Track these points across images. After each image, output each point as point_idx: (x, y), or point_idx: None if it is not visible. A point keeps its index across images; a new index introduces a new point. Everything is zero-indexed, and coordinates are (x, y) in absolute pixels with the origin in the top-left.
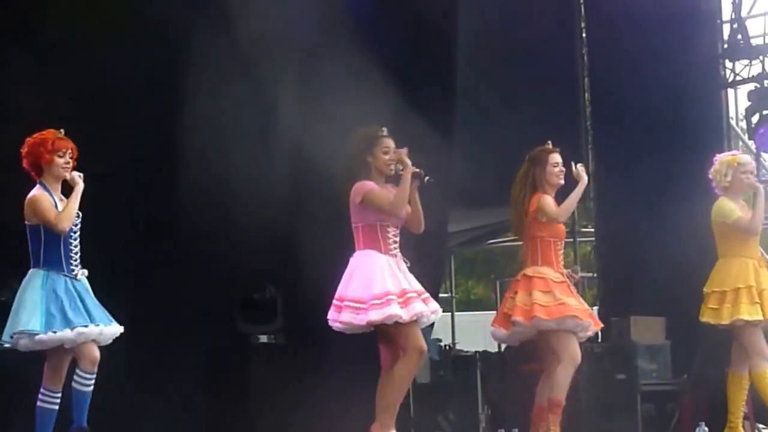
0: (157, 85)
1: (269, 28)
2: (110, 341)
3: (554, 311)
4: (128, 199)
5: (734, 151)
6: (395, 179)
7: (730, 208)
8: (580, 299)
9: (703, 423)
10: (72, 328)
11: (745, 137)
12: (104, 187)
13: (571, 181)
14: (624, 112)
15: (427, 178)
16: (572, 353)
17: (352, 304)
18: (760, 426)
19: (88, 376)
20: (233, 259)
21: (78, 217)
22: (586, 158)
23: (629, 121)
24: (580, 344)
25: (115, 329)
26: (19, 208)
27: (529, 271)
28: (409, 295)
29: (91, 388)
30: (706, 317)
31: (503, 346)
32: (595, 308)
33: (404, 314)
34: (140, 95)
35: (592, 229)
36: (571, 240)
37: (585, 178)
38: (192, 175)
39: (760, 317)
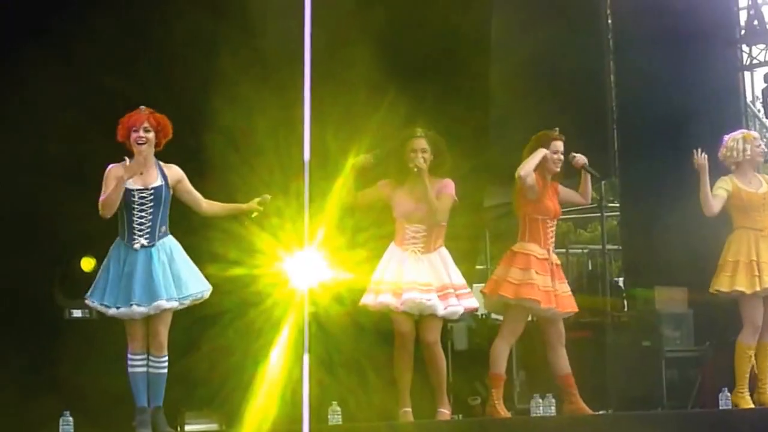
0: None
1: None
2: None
3: (520, 291)
4: None
5: (742, 130)
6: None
7: (715, 186)
8: (560, 280)
9: (726, 388)
10: (103, 305)
11: (762, 116)
12: None
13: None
14: (647, 94)
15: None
16: (514, 329)
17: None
18: None
19: (155, 360)
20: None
21: (149, 189)
22: (611, 136)
23: (653, 102)
24: (606, 313)
25: (156, 305)
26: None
27: (516, 246)
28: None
29: (163, 371)
30: (711, 286)
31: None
32: (620, 279)
33: (370, 300)
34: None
35: (618, 204)
36: (598, 214)
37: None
38: None
39: (756, 289)
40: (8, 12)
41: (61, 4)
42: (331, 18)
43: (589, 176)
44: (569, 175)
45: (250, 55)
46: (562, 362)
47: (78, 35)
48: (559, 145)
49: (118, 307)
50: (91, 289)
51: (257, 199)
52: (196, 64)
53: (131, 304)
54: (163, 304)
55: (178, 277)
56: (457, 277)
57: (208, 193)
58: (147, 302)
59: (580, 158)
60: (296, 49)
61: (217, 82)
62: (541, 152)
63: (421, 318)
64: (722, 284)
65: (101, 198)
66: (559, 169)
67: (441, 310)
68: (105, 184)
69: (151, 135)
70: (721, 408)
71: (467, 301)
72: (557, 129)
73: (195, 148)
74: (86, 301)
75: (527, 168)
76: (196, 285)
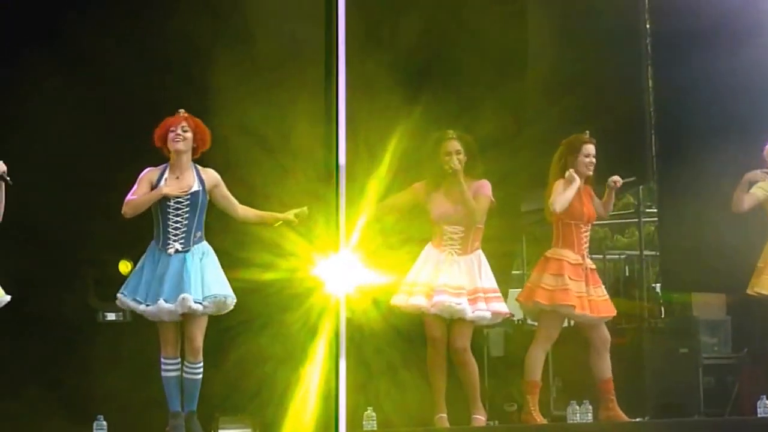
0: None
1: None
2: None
3: (554, 297)
4: None
5: None
6: None
7: (755, 186)
8: (595, 284)
9: (764, 396)
10: (135, 300)
11: None
12: None
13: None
14: (685, 98)
15: None
16: (549, 335)
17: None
18: None
19: (190, 365)
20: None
21: (187, 194)
22: (649, 142)
23: (690, 106)
24: (643, 320)
25: (184, 303)
26: None
27: (549, 252)
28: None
29: (197, 376)
30: (749, 287)
31: (572, 321)
32: (658, 285)
33: (402, 301)
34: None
35: (656, 209)
36: (636, 220)
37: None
38: None
39: None
40: (34, 18)
41: (88, 9)
42: (365, 22)
43: (613, 192)
44: (601, 180)
45: (281, 58)
46: (605, 367)
47: (109, 40)
48: (591, 148)
49: (147, 305)
50: (123, 287)
51: (295, 211)
52: (226, 67)
53: (158, 300)
54: (188, 298)
55: (204, 278)
56: (488, 281)
57: (239, 196)
58: (173, 298)
59: (618, 180)
60: (329, 53)
61: (248, 86)
62: (576, 184)
63: (451, 323)
64: (764, 287)
65: (129, 197)
66: (591, 173)
67: (469, 314)
68: (138, 184)
69: (189, 135)
70: (759, 415)
71: (496, 304)
72: (588, 132)
73: (226, 152)
74: (118, 296)
75: (563, 203)
76: (218, 288)
